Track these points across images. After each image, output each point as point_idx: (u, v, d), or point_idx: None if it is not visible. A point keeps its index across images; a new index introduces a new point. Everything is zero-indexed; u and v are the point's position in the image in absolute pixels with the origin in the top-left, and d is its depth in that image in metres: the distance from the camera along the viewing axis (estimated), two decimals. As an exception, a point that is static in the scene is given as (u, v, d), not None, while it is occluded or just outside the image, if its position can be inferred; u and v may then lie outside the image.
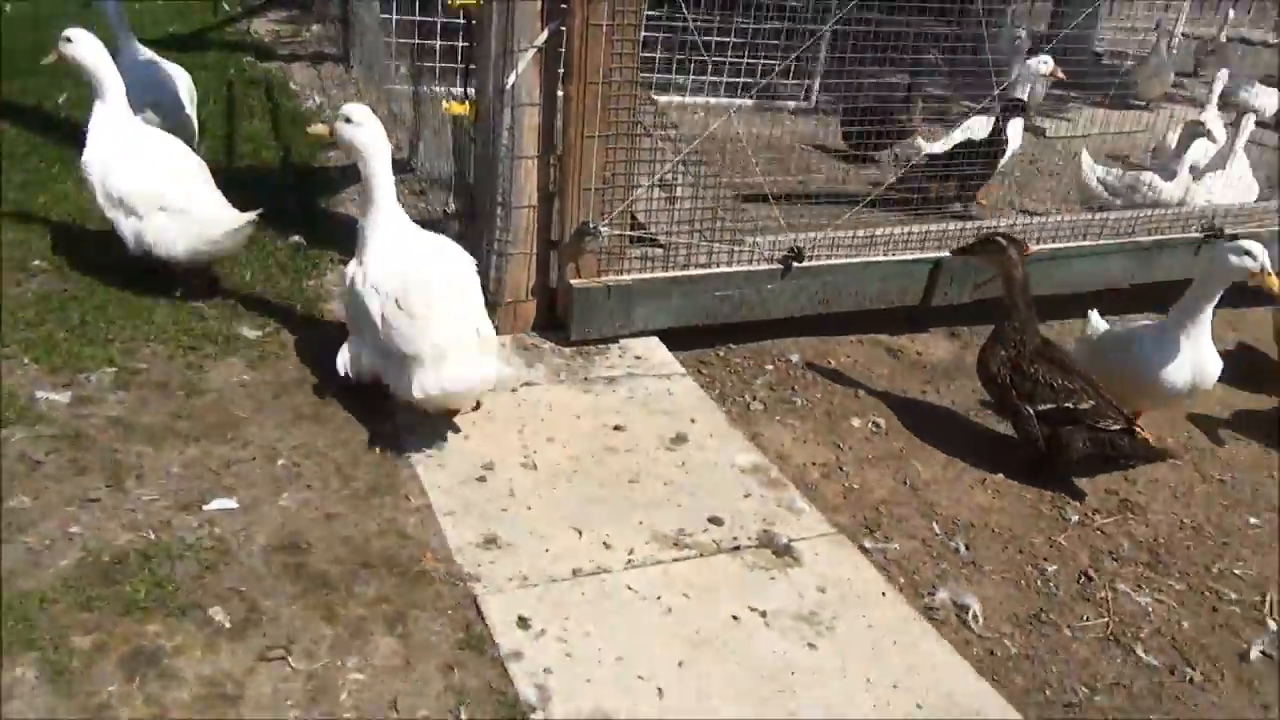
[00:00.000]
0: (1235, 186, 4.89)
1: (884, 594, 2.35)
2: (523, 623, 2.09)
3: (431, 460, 2.59)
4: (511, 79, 2.91)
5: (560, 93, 3.01)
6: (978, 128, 5.01)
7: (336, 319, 3.15)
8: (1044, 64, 5.23)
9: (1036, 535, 2.77)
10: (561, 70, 2.98)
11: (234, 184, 3.35)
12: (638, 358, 3.26)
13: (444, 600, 2.14)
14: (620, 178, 3.10)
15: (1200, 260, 4.04)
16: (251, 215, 3.03)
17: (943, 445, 3.12)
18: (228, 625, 2.00)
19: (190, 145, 3.40)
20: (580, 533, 2.40)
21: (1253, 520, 3.00)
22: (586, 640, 2.07)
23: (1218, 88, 5.85)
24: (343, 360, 2.69)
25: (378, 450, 2.59)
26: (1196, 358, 3.02)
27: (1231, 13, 9.40)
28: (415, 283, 2.59)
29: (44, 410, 2.54)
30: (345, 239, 3.11)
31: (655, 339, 3.36)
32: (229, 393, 2.74)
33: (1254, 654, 2.46)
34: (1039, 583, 2.58)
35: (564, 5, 2.85)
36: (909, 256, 3.66)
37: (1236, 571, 2.75)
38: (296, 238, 3.66)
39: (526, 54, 2.90)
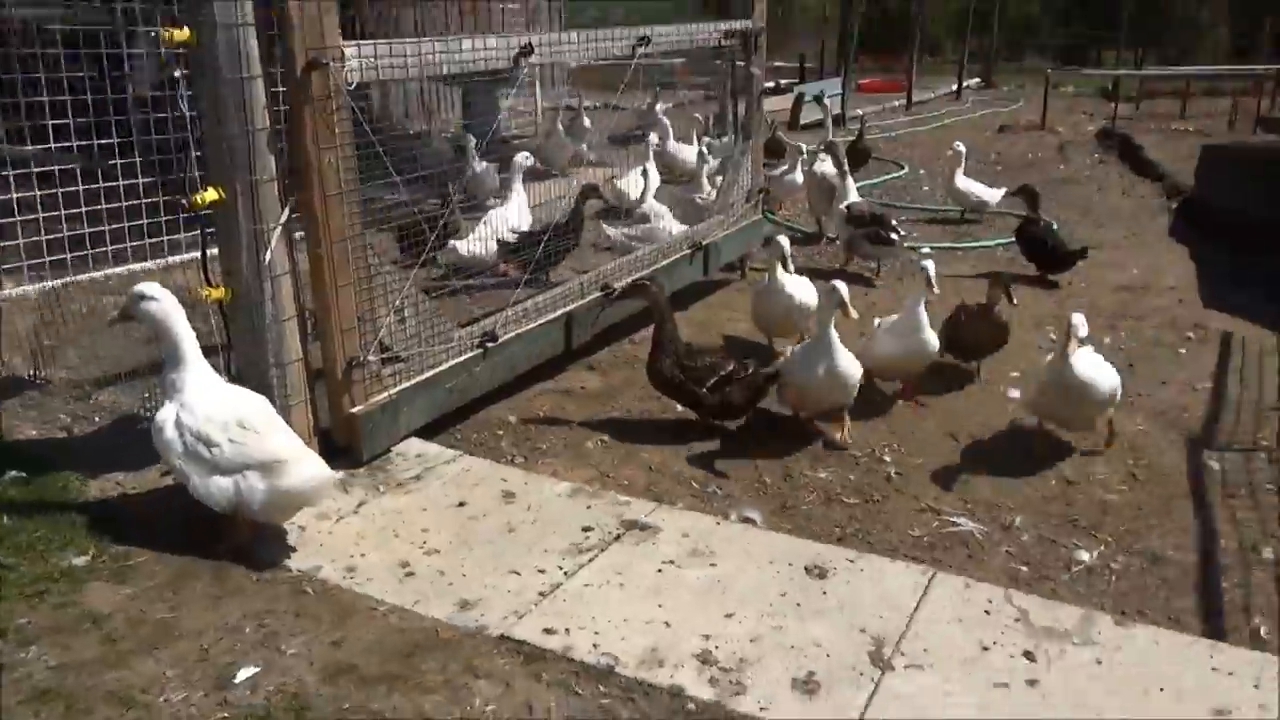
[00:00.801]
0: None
1: (717, 524, 3.46)
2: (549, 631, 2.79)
3: (352, 582, 3.04)
4: (268, 255, 3.39)
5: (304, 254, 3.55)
6: (513, 216, 6.25)
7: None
8: (526, 159, 6.69)
9: (772, 468, 4.12)
10: (301, 234, 3.52)
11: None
12: (418, 456, 3.90)
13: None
14: (367, 313, 3.73)
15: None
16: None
17: (658, 436, 4.32)
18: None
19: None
20: (519, 573, 3.10)
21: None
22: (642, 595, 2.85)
23: (651, 150, 7.91)
24: (205, 493, 2.99)
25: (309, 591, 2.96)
26: (830, 364, 4.12)
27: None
28: (249, 407, 3.07)
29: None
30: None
31: (415, 438, 4.01)
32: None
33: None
34: (785, 495, 3.91)
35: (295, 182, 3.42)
36: (550, 317, 4.78)
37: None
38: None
39: (275, 231, 3.40)
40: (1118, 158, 13.27)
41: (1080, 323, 3.88)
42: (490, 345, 4.31)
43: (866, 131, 11.72)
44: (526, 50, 4.23)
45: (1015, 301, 4.96)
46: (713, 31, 5.80)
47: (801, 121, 15.26)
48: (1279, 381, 5.09)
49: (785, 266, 5.06)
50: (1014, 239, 7.54)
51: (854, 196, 7.19)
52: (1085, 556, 3.40)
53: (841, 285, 4.00)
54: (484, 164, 8.40)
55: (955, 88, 21.35)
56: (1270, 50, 19.77)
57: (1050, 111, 16.52)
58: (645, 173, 6.98)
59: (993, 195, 8.93)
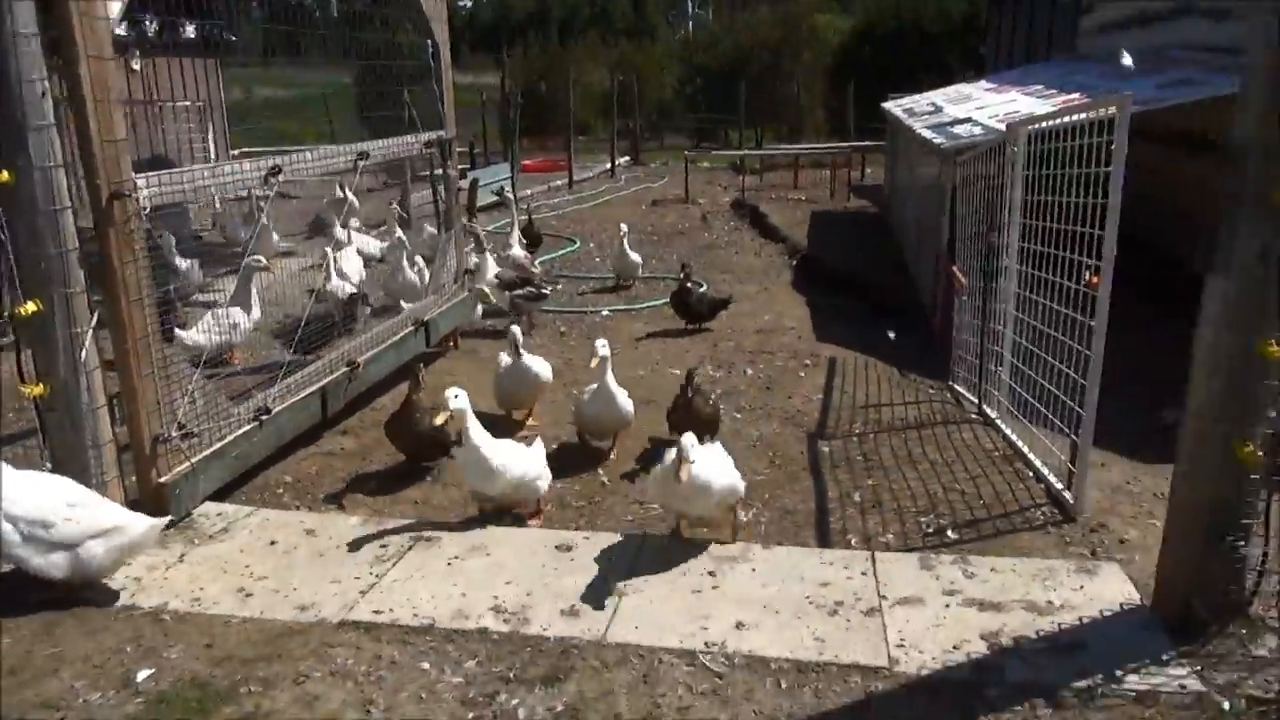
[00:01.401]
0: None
1: (484, 529, 4.54)
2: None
3: (201, 608, 3.79)
4: (83, 354, 4.06)
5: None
6: (238, 313, 6.91)
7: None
8: (258, 261, 7.40)
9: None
10: (107, 331, 4.21)
11: None
12: (218, 514, 4.63)
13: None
14: (165, 396, 4.44)
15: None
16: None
17: (417, 478, 5.30)
18: None
19: None
20: (339, 581, 3.99)
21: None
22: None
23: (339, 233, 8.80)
24: (44, 566, 3.63)
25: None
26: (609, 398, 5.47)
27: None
28: (67, 489, 3.77)
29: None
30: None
31: (209, 502, 4.73)
32: None
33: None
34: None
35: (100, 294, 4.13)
36: (310, 390, 5.62)
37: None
38: None
39: (87, 333, 4.08)
40: (749, 224, 15.91)
41: (690, 443, 4.01)
42: (264, 418, 5.10)
43: (535, 212, 13.35)
44: (275, 170, 5.15)
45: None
46: (415, 143, 6.96)
47: (478, 205, 16.66)
48: (866, 389, 7.06)
49: (518, 351, 5.96)
50: (669, 300, 9.29)
51: (493, 270, 8.62)
52: (744, 516, 4.88)
53: (604, 343, 5.44)
54: (186, 262, 8.93)
55: (609, 166, 23.89)
56: (857, 129, 24.22)
57: (692, 186, 19.24)
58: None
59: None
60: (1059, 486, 4.82)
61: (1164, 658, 3.31)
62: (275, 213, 11.65)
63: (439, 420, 4.46)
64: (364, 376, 6.12)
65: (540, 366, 6.13)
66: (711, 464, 4.23)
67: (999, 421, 5.99)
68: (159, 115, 14.01)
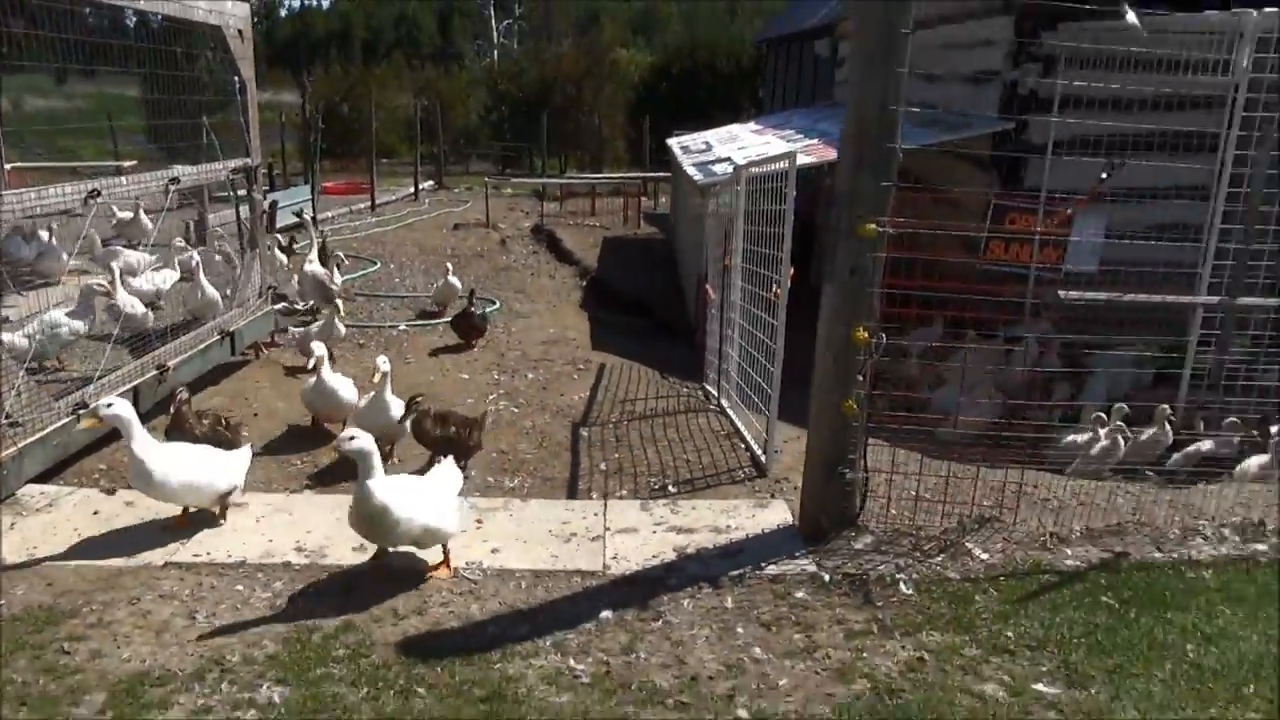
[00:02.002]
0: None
1: (288, 496, 5.44)
2: (193, 562, 4.60)
3: (33, 557, 4.54)
4: (-77, 348, 4.73)
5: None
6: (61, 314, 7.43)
7: None
8: (99, 285, 7.89)
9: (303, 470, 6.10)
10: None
11: None
12: (42, 493, 5.32)
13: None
14: (-5, 389, 5.12)
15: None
16: None
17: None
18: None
19: None
20: (159, 537, 4.82)
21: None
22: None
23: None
24: None
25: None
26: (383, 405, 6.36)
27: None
28: None
29: None
30: None
31: (33, 484, 5.40)
32: None
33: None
34: (317, 475, 5.96)
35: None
36: (124, 388, 6.32)
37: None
38: None
39: (-73, 331, 4.75)
40: (547, 248, 17.16)
41: (366, 446, 4.18)
42: (81, 413, 5.80)
43: (336, 234, 14.07)
44: (95, 193, 5.89)
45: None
46: (222, 169, 7.74)
47: (278, 225, 17.11)
48: (629, 388, 8.37)
49: (327, 366, 6.63)
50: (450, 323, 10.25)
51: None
52: (514, 483, 6.00)
53: (385, 359, 6.20)
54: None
55: (413, 190, 24.61)
56: (653, 160, 26.03)
57: (494, 211, 20.32)
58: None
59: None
60: (759, 452, 6.22)
61: (796, 555, 4.68)
62: (64, 233, 11.84)
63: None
64: (172, 379, 6.85)
65: (344, 387, 6.66)
66: (406, 495, 4.27)
67: (728, 408, 7.41)
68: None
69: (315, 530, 4.95)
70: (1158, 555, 4.80)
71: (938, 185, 10.86)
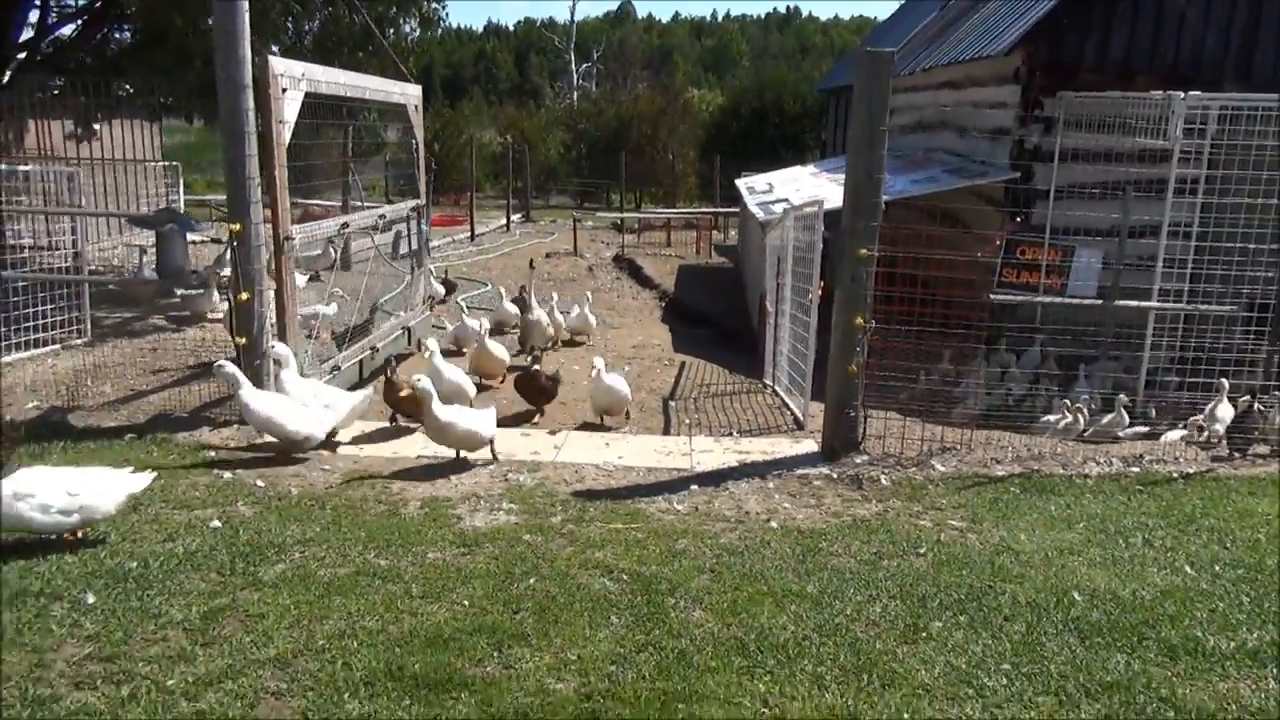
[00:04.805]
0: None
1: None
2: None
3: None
4: (267, 323, 7.76)
5: None
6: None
7: None
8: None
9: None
10: None
11: None
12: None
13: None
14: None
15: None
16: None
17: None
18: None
19: None
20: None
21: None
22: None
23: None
24: None
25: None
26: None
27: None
28: None
29: None
30: None
31: (311, 417, 8.39)
32: None
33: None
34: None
35: None
36: (354, 360, 9.32)
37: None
38: None
39: (267, 311, 7.79)
40: (628, 275, 20.13)
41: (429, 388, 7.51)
42: (335, 371, 8.80)
43: (445, 260, 17.25)
44: (344, 225, 8.93)
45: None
46: (406, 208, 10.82)
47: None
48: (704, 378, 11.20)
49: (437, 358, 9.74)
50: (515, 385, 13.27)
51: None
52: (612, 421, 8.85)
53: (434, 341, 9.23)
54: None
55: (505, 222, 27.87)
56: (723, 196, 28.98)
57: (579, 241, 23.40)
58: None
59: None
60: (799, 414, 8.98)
61: (817, 467, 7.42)
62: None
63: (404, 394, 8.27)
64: (380, 357, 9.85)
65: (454, 373, 9.28)
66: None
67: (779, 390, 10.18)
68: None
69: (507, 441, 7.86)
70: (1061, 471, 7.44)
71: (967, 224, 13.57)
